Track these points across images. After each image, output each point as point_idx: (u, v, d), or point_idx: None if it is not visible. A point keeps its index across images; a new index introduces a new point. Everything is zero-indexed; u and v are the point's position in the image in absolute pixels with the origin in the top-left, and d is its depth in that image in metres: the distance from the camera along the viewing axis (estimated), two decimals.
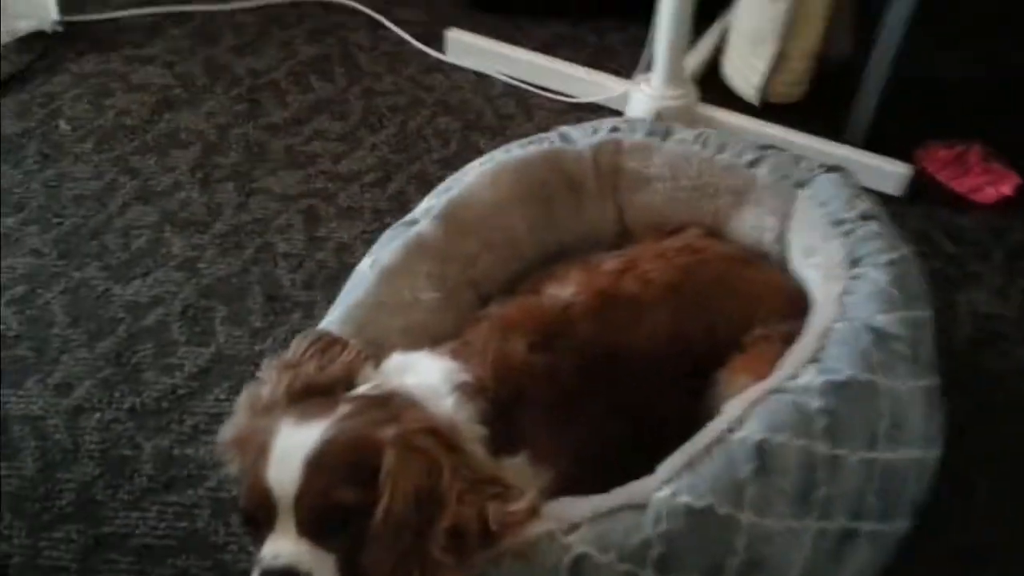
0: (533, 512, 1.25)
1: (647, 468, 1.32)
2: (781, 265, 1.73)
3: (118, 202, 2.35)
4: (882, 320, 1.43)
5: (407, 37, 2.94)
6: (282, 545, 1.21)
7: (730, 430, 1.32)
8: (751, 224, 1.75)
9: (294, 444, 1.23)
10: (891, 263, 1.52)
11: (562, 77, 2.74)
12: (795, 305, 1.61)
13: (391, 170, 2.48)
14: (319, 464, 1.22)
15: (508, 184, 1.77)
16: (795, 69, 2.63)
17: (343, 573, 1.23)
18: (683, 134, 1.82)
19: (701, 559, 1.26)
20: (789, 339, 1.51)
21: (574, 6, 3.10)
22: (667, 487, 1.28)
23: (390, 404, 1.32)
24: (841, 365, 1.38)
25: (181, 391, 1.88)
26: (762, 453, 1.29)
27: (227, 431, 1.37)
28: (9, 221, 2.28)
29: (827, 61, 2.68)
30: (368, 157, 2.53)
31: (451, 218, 1.73)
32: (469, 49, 2.88)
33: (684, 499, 1.26)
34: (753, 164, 1.75)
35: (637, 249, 1.68)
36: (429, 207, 1.75)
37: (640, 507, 1.27)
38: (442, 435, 1.28)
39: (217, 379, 1.90)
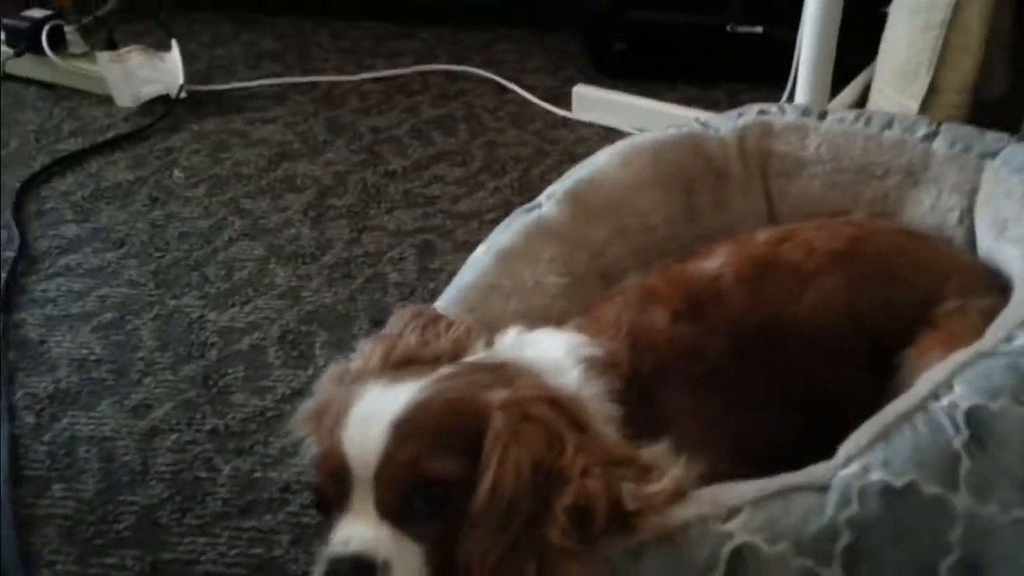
0: (678, 494, 0.96)
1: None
2: (968, 249, 1.40)
3: (224, 238, 2.19)
4: None
5: (533, 98, 2.76)
6: (356, 529, 0.94)
7: (934, 396, 1.00)
8: (929, 205, 1.44)
9: (379, 406, 0.97)
10: None
11: None
12: (993, 281, 1.28)
13: (512, 208, 2.21)
14: (409, 428, 0.95)
15: (643, 166, 1.51)
16: (949, 104, 2.31)
17: (434, 570, 0.95)
18: (842, 114, 1.54)
19: (904, 556, 0.94)
20: (990, 315, 1.17)
21: (704, 69, 2.88)
22: (855, 463, 0.97)
23: (502, 371, 1.05)
24: None
25: (271, 413, 1.66)
26: (976, 422, 0.97)
27: (307, 406, 1.11)
28: (108, 255, 2.13)
29: (983, 99, 2.35)
30: (489, 198, 2.32)
31: (578, 201, 1.47)
32: (597, 104, 2.69)
33: (878, 475, 0.95)
34: (928, 138, 1.45)
35: (795, 224, 1.37)
36: (554, 190, 1.49)
37: (821, 489, 0.96)
38: (564, 407, 1.00)
39: None
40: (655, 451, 1.00)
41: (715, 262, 1.26)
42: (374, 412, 0.96)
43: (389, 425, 0.94)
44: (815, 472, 0.98)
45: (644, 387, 1.11)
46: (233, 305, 1.94)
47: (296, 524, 1.45)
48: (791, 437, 1.14)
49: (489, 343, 1.17)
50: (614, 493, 0.93)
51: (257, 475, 1.54)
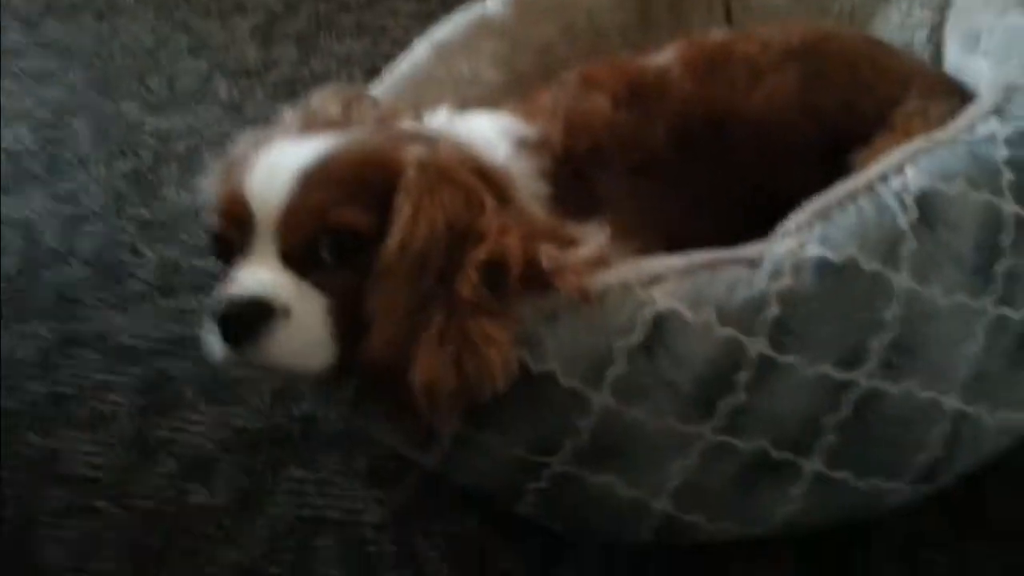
0: (598, 262, 0.87)
1: None
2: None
3: (168, 51, 2.05)
4: None
5: None
6: (258, 273, 0.84)
7: (882, 178, 0.90)
8: (898, 21, 1.32)
9: (288, 156, 0.87)
10: None
11: None
12: (955, 87, 1.17)
13: None
14: (317, 176, 0.86)
15: None
16: None
17: (338, 325, 0.85)
18: None
19: (835, 332, 0.84)
20: (951, 119, 1.07)
21: None
22: (791, 238, 0.86)
23: (427, 136, 0.95)
24: None
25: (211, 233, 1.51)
26: (927, 204, 0.87)
27: (218, 164, 0.99)
28: (51, 63, 2.00)
29: None
30: None
31: None
32: None
33: (815, 251, 0.85)
34: None
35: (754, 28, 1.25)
36: None
37: (753, 263, 0.86)
38: (488, 176, 0.90)
39: None
40: (583, 229, 0.91)
41: (665, 56, 1.14)
42: (282, 161, 0.87)
43: (296, 172, 0.85)
44: (748, 248, 0.88)
45: (577, 169, 1.01)
46: (173, 112, 1.82)
47: None
48: (733, 232, 1.03)
49: (418, 120, 1.05)
50: (531, 253, 0.84)
51: (182, 263, 1.45)
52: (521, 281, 0.83)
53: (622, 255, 0.90)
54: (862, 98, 1.12)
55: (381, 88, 1.24)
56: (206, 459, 1.13)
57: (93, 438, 1.16)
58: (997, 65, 1.12)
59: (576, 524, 0.98)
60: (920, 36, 1.30)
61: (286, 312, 0.83)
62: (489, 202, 0.86)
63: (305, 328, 0.84)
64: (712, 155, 1.08)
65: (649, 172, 1.05)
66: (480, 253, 0.82)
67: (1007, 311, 0.89)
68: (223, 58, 2.00)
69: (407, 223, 0.83)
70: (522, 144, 1.00)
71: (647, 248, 0.93)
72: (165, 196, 1.58)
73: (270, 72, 1.95)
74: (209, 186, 0.98)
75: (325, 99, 1.06)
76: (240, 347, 0.82)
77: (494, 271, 0.82)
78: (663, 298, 0.83)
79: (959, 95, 1.15)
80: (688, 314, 0.83)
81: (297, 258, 0.84)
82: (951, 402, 0.89)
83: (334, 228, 0.84)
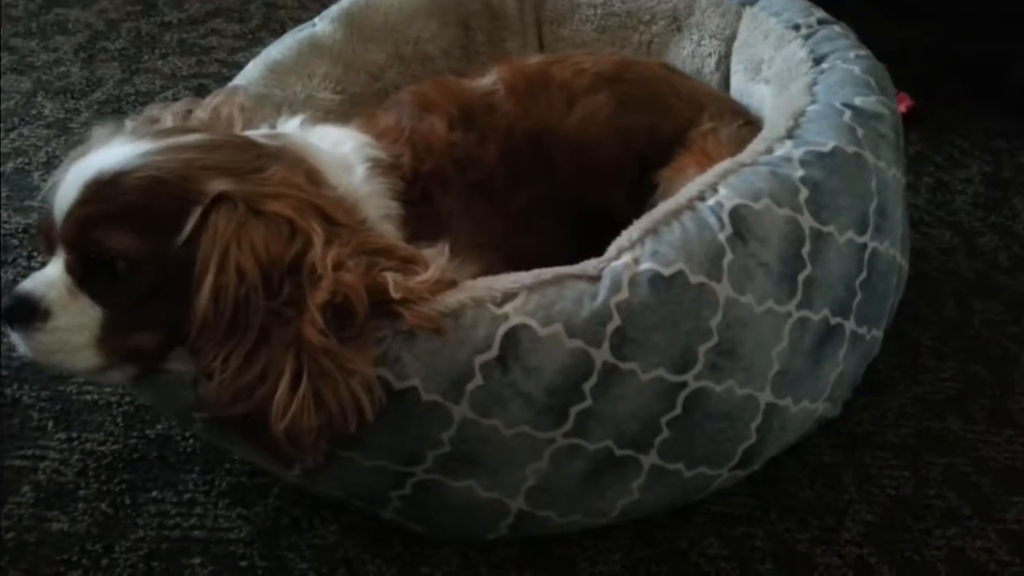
0: (445, 283, 0.84)
1: None
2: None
3: None
4: (862, 101, 1.05)
5: None
6: (42, 274, 0.82)
7: (700, 197, 0.91)
8: (689, 51, 1.36)
9: (93, 163, 0.81)
10: (860, 58, 1.14)
11: None
12: (742, 110, 1.21)
13: None
14: (96, 192, 0.79)
15: None
16: None
17: (114, 338, 0.81)
18: None
19: (668, 340, 0.85)
20: (739, 138, 1.11)
21: None
22: (626, 254, 0.87)
23: (260, 153, 0.87)
24: (823, 137, 0.99)
25: (34, 230, 1.38)
26: (739, 219, 0.89)
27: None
28: None
29: None
30: None
31: (353, 22, 1.31)
32: None
33: (648, 265, 0.86)
34: None
35: (565, 52, 1.25)
36: (328, 11, 1.31)
37: (593, 278, 0.85)
38: (313, 204, 0.83)
39: None
40: (431, 251, 0.88)
41: (488, 78, 1.13)
42: (85, 168, 0.81)
43: (84, 183, 0.79)
44: (588, 264, 0.88)
45: (424, 189, 0.99)
46: None
47: None
48: (558, 247, 1.03)
49: (272, 126, 1.00)
50: (377, 283, 0.80)
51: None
52: (370, 313, 0.79)
53: (464, 275, 0.88)
54: (663, 120, 1.15)
55: None
56: (63, 486, 1.03)
57: None
58: (778, 91, 1.17)
59: (438, 525, 0.95)
60: (709, 64, 1.35)
61: (48, 312, 0.80)
62: (317, 231, 0.80)
63: (67, 331, 0.80)
64: (537, 173, 1.08)
65: (485, 191, 1.04)
66: (320, 295, 0.77)
67: (807, 314, 0.92)
68: (47, 77, 1.84)
69: (216, 274, 0.78)
70: (376, 165, 0.96)
71: (486, 266, 0.92)
72: None
73: (95, 91, 1.81)
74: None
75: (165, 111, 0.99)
76: (14, 336, 0.81)
77: (338, 311, 0.78)
78: (515, 314, 0.82)
79: (744, 116, 1.19)
80: (539, 328, 0.82)
81: (74, 267, 0.81)
82: (764, 396, 0.92)
83: (99, 248, 0.79)
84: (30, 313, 0.80)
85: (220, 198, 0.80)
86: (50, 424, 1.10)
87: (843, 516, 1.04)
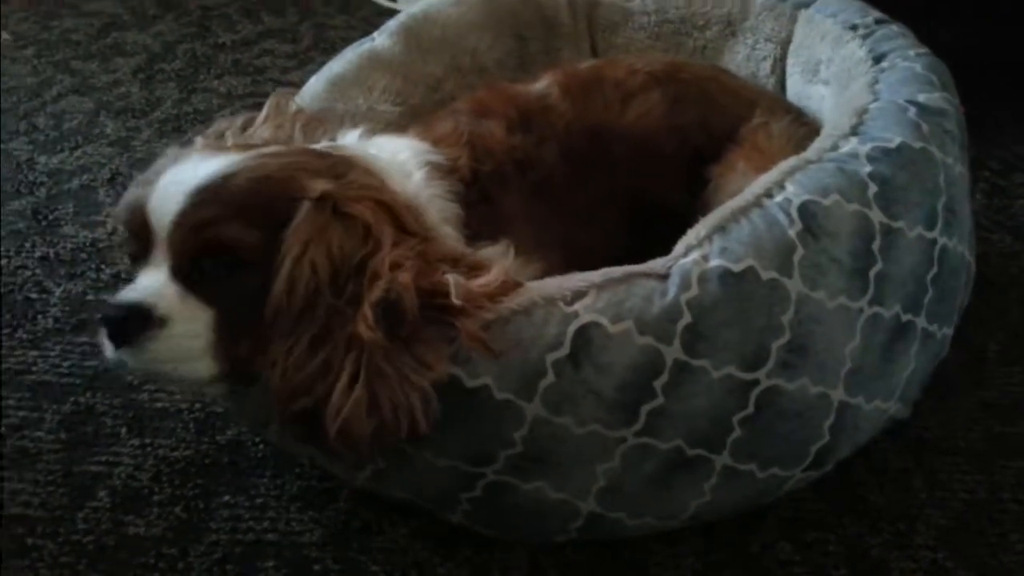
0: (509, 286, 0.83)
1: None
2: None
3: (53, 93, 1.92)
4: (925, 98, 1.04)
5: None
6: (146, 281, 0.81)
7: (767, 194, 0.91)
8: (745, 55, 1.36)
9: (189, 172, 0.82)
10: (920, 55, 1.13)
11: None
12: (792, 106, 1.21)
13: None
14: (207, 193, 0.81)
15: (475, 4, 1.38)
16: None
17: (224, 342, 0.81)
18: None
19: (739, 336, 0.84)
20: (790, 133, 1.12)
21: None
22: (694, 252, 0.86)
23: (337, 161, 0.89)
24: (889, 133, 0.97)
25: (102, 244, 1.45)
26: (809, 215, 0.88)
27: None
28: None
29: None
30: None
31: (411, 35, 1.33)
32: None
33: (717, 262, 0.85)
34: None
35: (616, 56, 1.26)
36: (387, 25, 1.33)
37: (662, 276, 0.85)
38: (390, 209, 0.85)
39: None
40: (492, 250, 0.89)
41: (542, 83, 1.14)
42: (182, 176, 0.82)
43: (190, 188, 0.80)
44: (656, 262, 0.87)
45: (484, 191, 0.99)
46: (63, 150, 1.69)
47: None
48: (619, 242, 1.04)
49: (332, 139, 1.01)
50: (438, 285, 0.80)
51: (90, 297, 1.34)
52: (423, 314, 0.78)
53: (528, 274, 0.89)
54: (716, 116, 1.15)
55: None
56: (138, 490, 1.04)
57: (22, 477, 1.05)
58: (839, 90, 1.16)
59: (507, 528, 0.95)
60: (764, 68, 1.34)
61: (163, 321, 0.78)
62: (387, 236, 0.81)
63: (183, 338, 0.80)
64: (595, 170, 1.08)
65: (546, 190, 1.04)
66: (375, 293, 0.78)
67: (879, 310, 0.91)
68: (107, 97, 1.88)
69: (293, 265, 0.79)
70: (434, 168, 0.96)
71: (548, 266, 0.93)
72: (65, 233, 1.46)
73: (154, 110, 1.85)
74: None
75: (228, 124, 1.01)
76: (121, 350, 0.79)
77: (389, 309, 0.78)
78: (586, 312, 0.82)
79: (796, 112, 1.19)
80: (609, 326, 0.81)
81: (183, 271, 0.80)
82: (837, 395, 0.90)
83: (217, 245, 0.80)
84: (143, 322, 0.79)
85: (322, 198, 0.81)
86: (123, 431, 1.11)
87: (915, 521, 1.02)
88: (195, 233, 0.80)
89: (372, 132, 1.05)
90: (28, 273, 1.37)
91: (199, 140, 0.97)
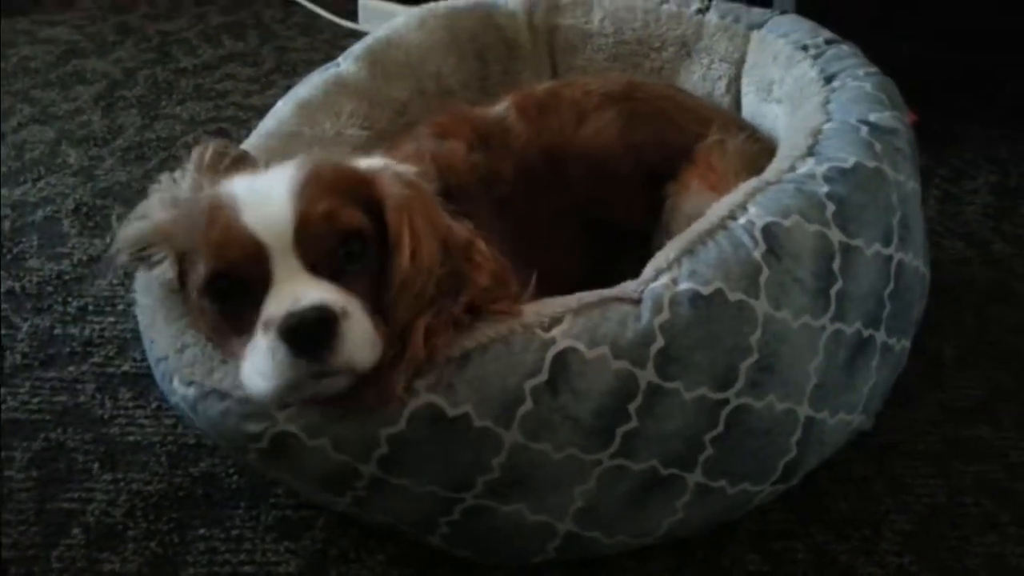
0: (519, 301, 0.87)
1: None
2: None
3: (13, 123, 1.88)
4: (876, 117, 1.06)
5: (320, 11, 2.52)
6: (298, 289, 0.78)
7: (731, 216, 0.92)
8: (701, 75, 1.38)
9: (268, 184, 0.83)
10: (870, 75, 1.15)
11: None
12: (747, 124, 1.24)
13: None
14: (314, 188, 0.81)
15: (437, 29, 1.38)
16: None
17: (375, 322, 0.81)
18: None
19: (711, 358, 0.85)
20: (744, 152, 1.14)
21: None
22: (664, 275, 0.87)
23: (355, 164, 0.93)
24: (844, 153, 0.99)
25: (68, 276, 1.42)
26: (772, 237, 0.90)
27: (141, 225, 0.91)
28: None
29: None
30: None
31: (375, 59, 1.33)
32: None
33: (687, 285, 0.86)
34: (702, 11, 1.38)
35: (573, 77, 1.28)
36: (351, 50, 1.33)
37: (635, 301, 0.86)
38: (427, 193, 0.91)
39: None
40: None
41: (500, 106, 1.16)
42: (263, 190, 0.82)
43: (291, 192, 0.80)
44: (628, 286, 0.88)
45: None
46: (25, 182, 1.66)
47: (101, 374, 1.24)
48: (578, 261, 1.07)
49: None
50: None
51: (57, 331, 1.31)
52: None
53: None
54: (671, 134, 1.17)
55: (248, 145, 1.17)
56: (112, 527, 1.02)
57: None
58: (792, 110, 1.18)
59: (485, 550, 0.95)
60: (719, 87, 1.36)
61: (345, 313, 0.77)
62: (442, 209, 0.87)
63: (361, 323, 0.79)
64: (552, 188, 1.10)
65: (509, 206, 1.06)
66: (483, 279, 0.84)
67: (841, 327, 0.93)
68: (69, 126, 1.86)
69: (411, 238, 0.82)
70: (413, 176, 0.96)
71: (520, 281, 0.93)
72: (30, 267, 1.43)
73: (116, 138, 1.82)
74: (133, 247, 0.91)
75: (204, 158, 0.99)
76: (315, 355, 0.76)
77: (483, 295, 0.84)
78: (563, 338, 0.82)
79: (750, 130, 1.21)
80: (586, 351, 0.82)
81: (323, 267, 0.80)
82: (803, 410, 0.92)
83: (346, 231, 0.81)
84: (331, 319, 0.77)
85: (384, 174, 0.86)
86: (95, 466, 1.09)
87: (880, 526, 1.04)
88: (328, 224, 0.80)
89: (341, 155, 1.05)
90: None
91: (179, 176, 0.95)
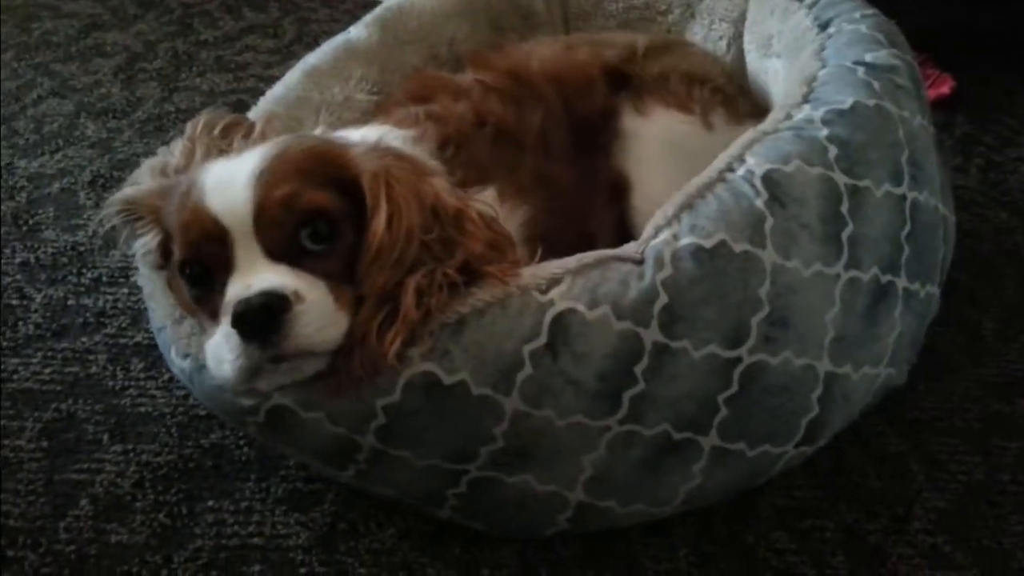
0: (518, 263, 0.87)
1: None
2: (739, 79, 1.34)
3: (33, 96, 1.91)
4: (872, 56, 1.04)
5: None
6: (253, 275, 0.80)
7: (729, 168, 0.91)
8: (703, 36, 1.39)
9: (233, 169, 0.83)
10: (866, 16, 1.13)
11: None
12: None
13: None
14: (275, 172, 0.82)
15: None
16: None
17: (340, 300, 0.81)
18: None
19: (718, 314, 0.84)
20: (699, 79, 1.21)
21: None
22: (664, 232, 0.87)
23: (334, 139, 0.94)
24: (841, 96, 0.98)
25: (83, 248, 1.45)
26: (774, 184, 0.89)
27: (127, 192, 0.93)
28: None
29: None
30: None
31: (387, 25, 1.35)
32: None
33: (688, 240, 0.85)
34: None
35: None
36: (363, 18, 1.33)
37: (636, 261, 0.85)
38: (413, 161, 0.90)
39: None
40: (484, 196, 0.92)
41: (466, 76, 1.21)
42: (230, 173, 0.83)
43: (253, 177, 0.81)
44: (629, 246, 0.87)
45: (456, 146, 1.03)
46: (43, 154, 1.68)
47: (113, 345, 1.25)
48: (574, 165, 1.14)
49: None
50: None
51: (71, 302, 1.33)
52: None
53: (518, 217, 0.97)
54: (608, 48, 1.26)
55: (257, 111, 1.19)
56: (120, 498, 1.04)
57: (2, 487, 1.05)
58: (790, 63, 1.16)
59: (496, 522, 0.95)
60: (721, 47, 1.37)
61: (298, 296, 0.78)
62: (438, 177, 0.88)
63: (319, 303, 0.79)
64: (529, 104, 1.15)
65: (505, 135, 1.10)
66: (476, 245, 0.84)
67: (856, 274, 0.91)
68: (88, 99, 1.88)
69: (388, 204, 0.81)
70: (407, 140, 0.99)
71: (533, 208, 1.01)
72: (45, 238, 1.46)
73: (136, 111, 1.84)
74: (121, 215, 0.92)
75: (203, 129, 1.00)
76: (266, 339, 0.77)
77: (480, 259, 0.84)
78: (561, 299, 0.82)
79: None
80: (586, 312, 0.81)
81: (283, 251, 0.81)
82: (822, 365, 0.90)
83: (308, 212, 0.81)
84: (281, 304, 0.78)
85: (362, 150, 0.86)
86: (105, 437, 1.11)
87: (913, 505, 1.02)
88: (286, 208, 0.80)
89: (332, 127, 1.08)
90: (8, 279, 1.37)
91: (172, 152, 0.96)
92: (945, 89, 2.00)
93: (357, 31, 1.31)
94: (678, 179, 0.93)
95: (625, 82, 1.21)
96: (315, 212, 0.81)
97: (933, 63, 1.98)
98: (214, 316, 0.82)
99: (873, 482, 1.04)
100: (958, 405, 1.14)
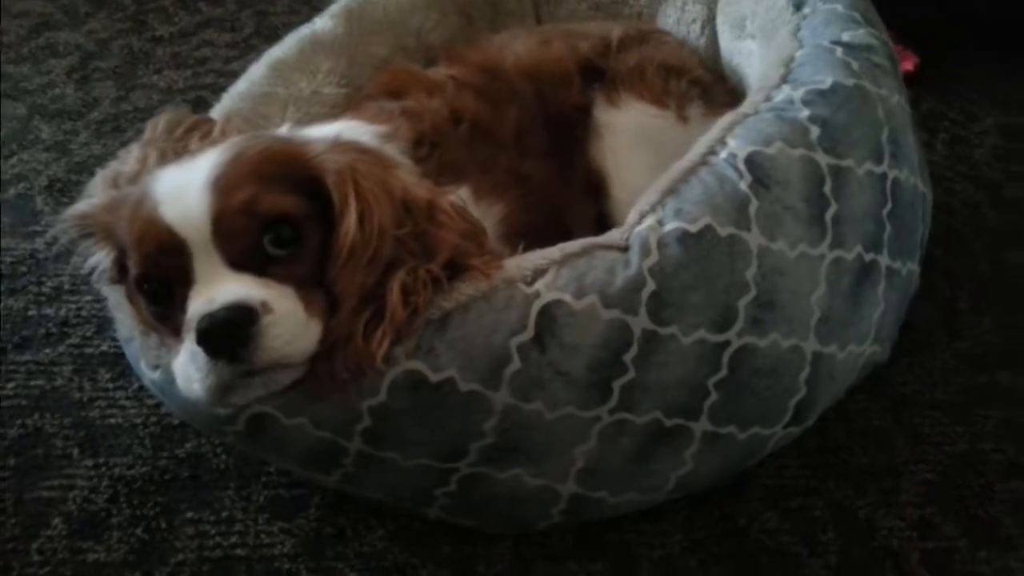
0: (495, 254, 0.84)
1: None
2: (712, 57, 1.32)
3: None
4: (850, 36, 1.03)
5: None
6: (215, 288, 0.75)
7: (711, 152, 0.89)
8: (675, 19, 1.36)
9: (187, 174, 0.79)
10: None
11: None
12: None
13: None
14: (231, 178, 0.77)
15: None
16: None
17: (310, 306, 0.77)
18: None
19: (706, 299, 0.82)
20: (675, 71, 1.18)
21: None
22: (648, 218, 0.85)
23: (296, 137, 0.89)
24: (820, 76, 0.96)
25: (42, 256, 1.39)
26: (757, 166, 0.87)
27: (78, 208, 0.87)
28: None
29: None
30: None
31: (352, 17, 1.31)
32: None
33: (673, 225, 0.83)
34: None
35: None
36: (328, 8, 1.29)
37: (621, 248, 0.83)
38: (378, 156, 0.87)
39: None
40: (460, 195, 0.87)
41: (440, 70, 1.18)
42: (184, 181, 0.78)
43: (208, 183, 0.77)
44: (613, 233, 0.85)
45: (430, 145, 0.99)
46: None
47: (79, 355, 1.21)
48: (548, 162, 1.11)
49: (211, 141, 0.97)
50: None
51: (32, 313, 1.28)
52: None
53: (493, 215, 0.95)
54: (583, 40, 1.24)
55: (220, 109, 1.15)
56: (95, 514, 1.01)
57: None
58: (765, 43, 1.16)
59: (487, 518, 0.93)
60: (694, 30, 1.35)
61: (266, 307, 0.74)
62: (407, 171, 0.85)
63: (288, 314, 0.75)
64: (504, 99, 1.12)
65: (480, 132, 1.07)
66: (453, 237, 0.80)
67: (841, 253, 0.90)
68: (41, 100, 1.82)
69: (357, 203, 0.77)
70: (380, 135, 0.95)
71: (508, 205, 0.98)
72: (3, 246, 1.40)
73: (91, 111, 1.78)
74: (75, 229, 0.87)
75: (162, 130, 0.96)
76: (235, 354, 0.73)
77: (462, 252, 0.80)
78: (548, 290, 0.79)
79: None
80: (573, 302, 0.79)
81: (246, 260, 0.76)
82: (809, 346, 0.89)
83: (270, 217, 0.77)
84: (249, 316, 0.73)
85: (323, 149, 0.81)
86: (75, 451, 1.08)
87: (900, 478, 1.02)
88: (246, 214, 0.76)
89: (300, 124, 1.04)
90: None
91: (125, 160, 0.92)
92: (909, 65, 1.99)
93: (322, 22, 1.27)
94: (654, 170, 0.91)
95: (600, 75, 1.18)
96: (277, 216, 0.77)
97: (896, 40, 1.97)
98: (177, 333, 0.77)
99: (860, 458, 1.04)
100: (939, 378, 1.14)
